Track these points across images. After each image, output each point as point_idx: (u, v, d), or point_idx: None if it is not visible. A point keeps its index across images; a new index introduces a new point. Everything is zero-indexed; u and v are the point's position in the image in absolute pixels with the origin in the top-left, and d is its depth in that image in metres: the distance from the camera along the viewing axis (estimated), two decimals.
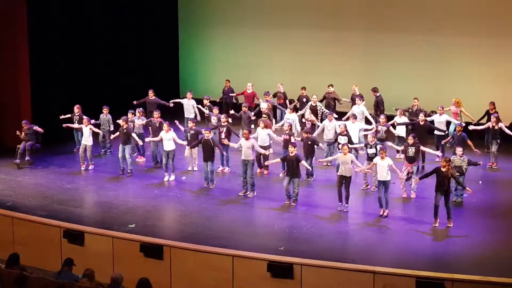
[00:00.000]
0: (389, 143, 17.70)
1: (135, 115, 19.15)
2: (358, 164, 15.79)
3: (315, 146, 17.36)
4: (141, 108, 19.61)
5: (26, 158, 18.67)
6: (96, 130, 18.70)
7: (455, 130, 18.24)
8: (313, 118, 19.70)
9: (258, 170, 18.23)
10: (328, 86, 21.79)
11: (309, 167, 16.82)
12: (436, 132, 18.94)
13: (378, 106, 20.98)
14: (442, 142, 18.51)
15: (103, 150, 20.00)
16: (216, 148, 17.11)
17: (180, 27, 26.56)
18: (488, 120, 19.15)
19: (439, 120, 19.09)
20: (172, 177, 17.76)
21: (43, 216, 14.90)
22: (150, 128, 18.83)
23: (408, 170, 16.37)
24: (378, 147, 16.48)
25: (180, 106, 21.28)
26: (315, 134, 18.26)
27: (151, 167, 18.87)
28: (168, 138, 17.58)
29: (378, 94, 21.11)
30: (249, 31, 25.21)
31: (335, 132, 18.39)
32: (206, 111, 20.56)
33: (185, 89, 23.68)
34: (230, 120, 20.09)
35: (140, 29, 25.20)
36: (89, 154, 18.52)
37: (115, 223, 14.86)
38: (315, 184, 17.55)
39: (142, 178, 18.03)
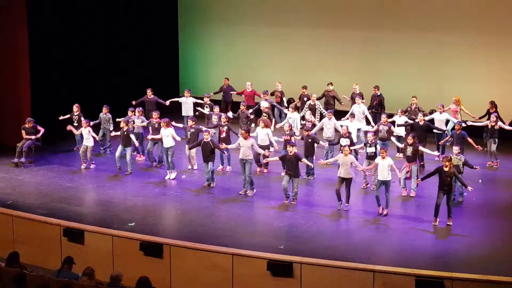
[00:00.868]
0: (393, 139, 17.72)
1: (135, 114, 19.15)
2: (358, 165, 15.80)
3: (315, 145, 17.38)
4: (140, 108, 19.62)
5: (21, 160, 18.63)
6: (94, 135, 18.60)
7: (453, 128, 18.25)
8: (313, 119, 19.68)
9: (258, 169, 18.23)
10: (328, 85, 21.79)
11: (310, 164, 16.77)
12: (435, 130, 18.95)
13: (379, 105, 20.99)
14: (441, 142, 18.50)
15: (102, 149, 20.01)
16: (217, 148, 17.10)
17: (180, 26, 26.54)
18: (489, 119, 19.15)
19: (439, 119, 19.11)
20: (173, 175, 17.76)
21: (43, 214, 14.91)
22: (150, 128, 18.81)
23: (407, 170, 16.38)
24: (378, 146, 16.52)
25: (178, 105, 21.29)
26: (313, 131, 18.21)
27: (151, 166, 18.86)
28: (167, 135, 17.58)
29: (379, 93, 21.12)
30: (249, 30, 25.20)
31: (334, 130, 18.39)
32: (207, 111, 20.55)
33: (185, 88, 23.66)
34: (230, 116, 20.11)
35: (140, 28, 25.16)
36: (89, 155, 18.54)
37: (115, 221, 14.86)
38: (315, 183, 17.55)
39: (142, 177, 18.03)
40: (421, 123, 18.21)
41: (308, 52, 24.20)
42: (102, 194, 16.76)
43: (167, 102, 21.05)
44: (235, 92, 22.80)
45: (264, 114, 19.67)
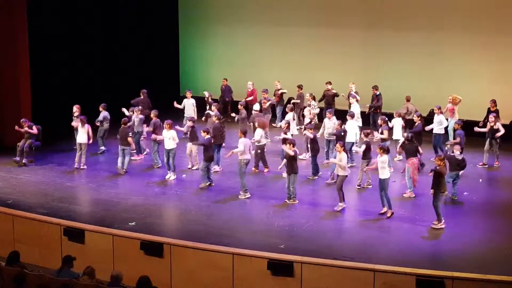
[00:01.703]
0: (377, 134, 17.73)
1: (133, 113, 19.20)
2: (335, 162, 15.70)
3: (316, 144, 17.44)
4: (139, 107, 19.68)
5: (23, 160, 18.62)
6: (90, 134, 18.56)
7: (454, 130, 18.26)
8: (313, 112, 19.71)
9: (253, 169, 18.15)
10: (326, 84, 21.82)
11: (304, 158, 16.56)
12: (434, 131, 18.89)
13: (378, 105, 20.99)
14: (449, 144, 18.44)
15: (101, 148, 19.98)
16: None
17: (180, 25, 26.55)
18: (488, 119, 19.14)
19: (436, 120, 19.05)
20: (173, 176, 17.74)
21: (43, 214, 14.92)
22: (154, 128, 18.75)
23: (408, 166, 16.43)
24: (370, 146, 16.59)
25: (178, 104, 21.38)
26: (319, 134, 18.26)
27: (150, 165, 18.85)
28: (169, 137, 17.57)
29: (378, 93, 21.12)
30: (249, 30, 25.20)
31: (335, 129, 18.39)
32: (207, 108, 20.58)
33: (185, 88, 23.70)
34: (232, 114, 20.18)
35: (140, 28, 25.18)
36: (84, 150, 18.43)
37: (116, 221, 14.86)
38: (315, 182, 17.55)
39: (142, 176, 18.03)
40: (416, 124, 18.24)
41: (308, 51, 24.20)
42: (103, 194, 16.76)
43: (175, 104, 21.07)
44: (244, 100, 22.16)
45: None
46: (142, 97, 20.99)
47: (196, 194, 16.82)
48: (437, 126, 18.85)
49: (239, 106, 20.10)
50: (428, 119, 19.97)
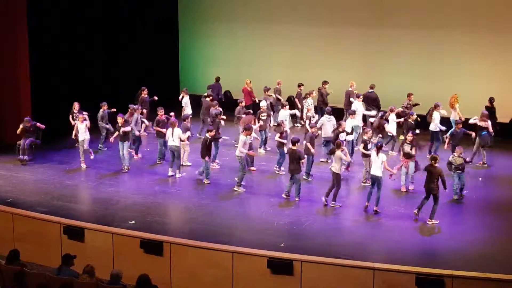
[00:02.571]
0: (392, 152, 17.71)
1: (133, 113, 19.19)
2: (344, 158, 15.71)
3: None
4: (139, 106, 19.71)
5: (24, 157, 18.63)
6: (88, 126, 18.58)
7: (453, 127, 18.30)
8: (312, 108, 19.72)
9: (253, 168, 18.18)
10: (323, 84, 21.87)
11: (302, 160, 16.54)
12: (430, 128, 18.92)
13: (372, 103, 20.98)
14: (446, 147, 18.46)
15: (100, 145, 19.99)
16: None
17: (180, 24, 26.54)
18: (492, 116, 19.14)
19: (436, 116, 19.05)
20: (178, 175, 17.72)
21: (43, 212, 14.91)
22: (157, 124, 18.77)
23: (405, 165, 16.41)
24: (373, 139, 16.61)
25: (179, 104, 21.31)
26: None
27: (151, 163, 18.87)
28: (174, 135, 17.57)
29: (371, 91, 21.09)
30: (249, 29, 25.19)
31: (332, 127, 18.39)
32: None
33: (184, 86, 23.70)
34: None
35: (140, 26, 25.16)
36: (86, 146, 18.42)
37: (115, 219, 14.87)
38: (315, 180, 17.54)
39: (142, 175, 18.03)
40: (411, 121, 18.24)
41: (307, 50, 24.21)
42: (102, 192, 16.76)
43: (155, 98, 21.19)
44: (243, 101, 22.17)
45: (262, 115, 19.60)
46: (143, 95, 20.99)
47: (196, 192, 16.82)
48: (436, 124, 18.89)
49: (239, 104, 20.11)
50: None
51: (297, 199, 15.93)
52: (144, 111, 20.52)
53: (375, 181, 15.24)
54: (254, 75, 23.53)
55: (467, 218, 15.30)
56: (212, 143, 17.39)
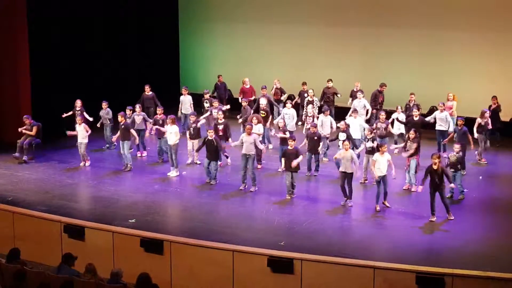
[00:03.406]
0: (394, 146, 17.71)
1: (132, 112, 19.15)
2: (356, 162, 15.73)
3: (321, 142, 17.43)
4: (139, 104, 19.70)
5: (23, 158, 18.64)
6: (88, 130, 18.53)
7: (456, 124, 18.26)
8: (315, 113, 19.67)
9: (259, 166, 18.19)
10: (328, 81, 21.81)
11: (297, 162, 16.48)
12: (437, 127, 18.94)
13: (378, 101, 21.00)
14: (444, 142, 18.46)
15: (107, 145, 20.02)
16: (219, 147, 17.04)
17: (180, 23, 26.54)
18: (493, 115, 19.12)
19: (440, 117, 19.07)
20: (176, 173, 17.72)
21: (43, 211, 14.91)
22: (154, 124, 18.76)
23: (407, 163, 16.42)
24: (375, 142, 16.56)
25: (178, 103, 21.31)
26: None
27: (152, 162, 18.88)
28: (172, 132, 17.58)
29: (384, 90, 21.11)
30: (249, 28, 25.19)
31: (331, 127, 18.38)
32: (207, 106, 20.57)
33: (185, 85, 23.69)
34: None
35: (140, 25, 25.16)
36: (83, 151, 18.44)
37: (116, 218, 14.86)
38: (315, 179, 17.55)
39: (142, 173, 18.03)
40: (416, 118, 18.24)
41: (307, 49, 24.20)
42: (103, 191, 16.76)
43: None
44: (243, 98, 22.24)
45: (262, 113, 19.63)
46: (146, 92, 20.99)
47: (196, 191, 16.82)
48: (439, 122, 18.89)
49: (243, 104, 20.09)
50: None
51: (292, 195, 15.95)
52: (156, 109, 20.15)
53: (381, 180, 15.23)
54: (254, 74, 23.50)
55: (468, 216, 15.28)
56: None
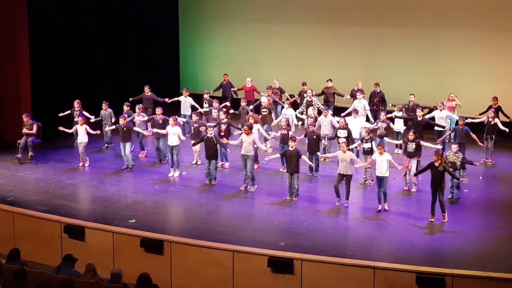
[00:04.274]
0: (387, 139, 17.73)
1: (130, 109, 19.16)
2: (357, 161, 15.79)
3: (320, 142, 17.44)
4: (140, 105, 19.71)
5: (30, 154, 18.66)
6: (92, 132, 18.57)
7: (456, 124, 18.27)
8: (315, 114, 19.67)
9: (256, 166, 18.17)
10: (327, 81, 21.82)
11: (309, 162, 16.80)
12: (436, 128, 18.96)
13: (380, 101, 21.00)
14: (439, 140, 18.47)
15: (106, 145, 20.02)
16: (219, 144, 17.06)
17: (181, 22, 26.52)
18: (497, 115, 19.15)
19: (439, 116, 19.09)
20: (177, 173, 17.73)
21: (43, 211, 14.90)
22: (151, 124, 18.79)
23: (407, 164, 16.41)
24: (373, 142, 16.57)
25: (177, 103, 21.31)
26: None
27: (152, 162, 18.87)
28: (173, 133, 17.58)
29: (379, 90, 21.13)
30: (249, 27, 25.17)
31: (331, 126, 18.39)
32: (206, 107, 20.57)
33: (185, 85, 23.69)
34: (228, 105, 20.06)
35: (140, 25, 25.14)
36: (82, 150, 18.43)
37: (116, 218, 14.86)
38: (315, 179, 17.56)
39: (142, 174, 18.03)
40: (419, 118, 18.24)
41: (308, 49, 24.17)
42: (103, 191, 16.76)
43: (168, 100, 21.11)
44: (236, 89, 22.73)
45: (264, 110, 19.64)
46: (146, 93, 21.02)
47: (197, 191, 16.82)
48: (438, 122, 18.90)
49: (241, 103, 20.09)
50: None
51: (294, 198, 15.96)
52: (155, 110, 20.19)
53: (381, 181, 15.23)
54: (254, 74, 23.47)
55: (467, 216, 15.30)
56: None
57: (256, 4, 25.02)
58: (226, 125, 18.10)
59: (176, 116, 18.11)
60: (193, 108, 20.84)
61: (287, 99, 21.92)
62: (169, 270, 13.18)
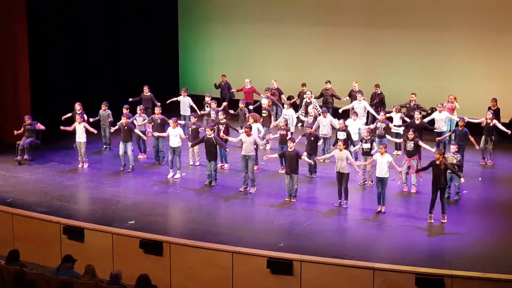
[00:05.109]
0: (389, 137, 17.74)
1: (129, 111, 19.16)
2: (352, 161, 15.74)
3: (318, 142, 17.44)
4: (141, 106, 19.70)
5: (25, 157, 18.66)
6: (91, 129, 18.58)
7: (456, 125, 18.27)
8: (316, 112, 19.68)
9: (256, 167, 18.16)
10: (326, 83, 21.82)
11: (310, 161, 16.78)
12: (436, 130, 18.93)
13: (380, 103, 21.01)
14: (438, 139, 18.47)
15: (104, 146, 20.02)
16: (219, 145, 17.05)
17: (180, 24, 26.52)
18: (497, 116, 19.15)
19: (439, 118, 19.06)
20: (178, 175, 17.71)
21: (43, 212, 14.90)
22: (152, 125, 18.80)
23: (408, 164, 16.41)
24: (374, 143, 16.56)
25: (177, 104, 21.31)
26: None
27: (151, 163, 18.86)
28: (175, 134, 17.56)
29: (379, 91, 21.14)
30: (248, 28, 25.17)
31: (330, 127, 18.39)
32: (208, 110, 20.56)
33: (184, 86, 23.68)
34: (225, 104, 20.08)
35: (139, 26, 25.16)
36: (83, 151, 18.45)
37: (115, 219, 14.85)
38: (315, 180, 17.55)
39: (142, 175, 18.02)
40: (417, 121, 18.24)
41: (307, 50, 24.18)
42: (102, 192, 16.75)
43: (167, 102, 21.11)
44: (235, 90, 22.73)
45: (264, 112, 19.66)
46: (145, 93, 21.01)
47: (196, 192, 16.81)
48: (438, 123, 18.90)
49: (240, 104, 20.08)
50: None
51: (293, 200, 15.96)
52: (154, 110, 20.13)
53: (380, 182, 15.23)
54: (253, 74, 23.47)
55: (467, 217, 15.29)
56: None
57: (256, 5, 25.02)
58: (224, 126, 18.09)
59: (176, 118, 18.08)
60: (192, 109, 20.86)
61: (288, 99, 21.93)
62: (168, 271, 13.17)
